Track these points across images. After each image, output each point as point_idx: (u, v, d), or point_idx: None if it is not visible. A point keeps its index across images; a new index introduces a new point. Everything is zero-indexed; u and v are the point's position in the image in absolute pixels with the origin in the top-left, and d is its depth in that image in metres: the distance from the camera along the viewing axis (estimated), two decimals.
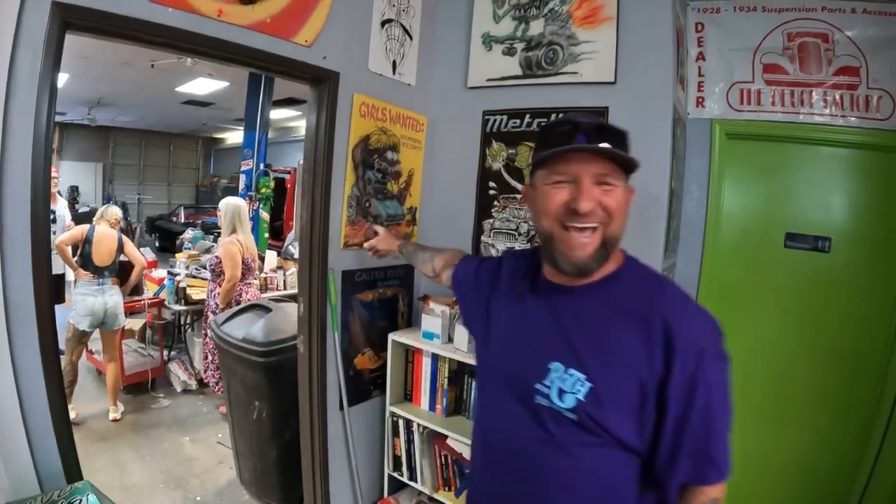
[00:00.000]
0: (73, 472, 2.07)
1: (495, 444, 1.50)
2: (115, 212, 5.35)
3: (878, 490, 3.05)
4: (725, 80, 3.35)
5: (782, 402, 3.26)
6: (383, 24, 3.13)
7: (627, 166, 1.31)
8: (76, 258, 4.98)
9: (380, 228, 2.85)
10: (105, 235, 5.08)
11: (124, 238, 5.34)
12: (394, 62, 3.22)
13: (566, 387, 1.28)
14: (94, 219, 5.30)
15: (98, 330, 5.10)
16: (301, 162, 3.13)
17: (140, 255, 5.58)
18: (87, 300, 4.92)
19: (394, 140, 3.23)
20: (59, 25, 1.91)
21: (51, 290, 1.99)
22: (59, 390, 2.01)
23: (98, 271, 5.01)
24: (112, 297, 5.09)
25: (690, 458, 1.22)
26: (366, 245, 2.86)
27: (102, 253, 5.02)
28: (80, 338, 5.00)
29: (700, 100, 3.41)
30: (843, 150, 3.20)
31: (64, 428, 2.05)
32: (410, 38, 3.32)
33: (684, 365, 1.20)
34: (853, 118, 3.09)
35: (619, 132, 1.33)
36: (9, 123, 1.80)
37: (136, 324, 6.38)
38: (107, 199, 14.68)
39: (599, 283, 1.36)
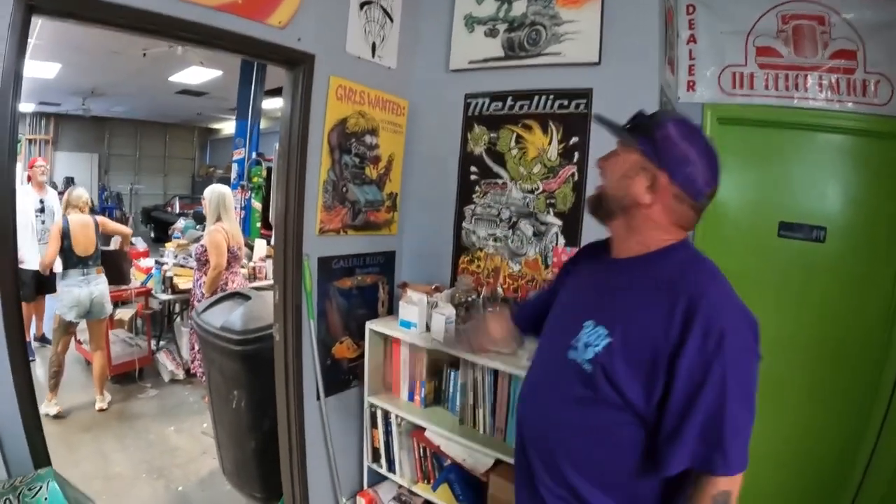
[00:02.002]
0: (40, 459, 2.03)
1: (534, 391, 1.65)
2: (81, 194, 5.23)
3: (876, 479, 3.00)
4: (717, 64, 3.25)
5: (778, 391, 3.17)
6: (362, 5, 3.05)
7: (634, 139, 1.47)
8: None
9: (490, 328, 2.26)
10: (79, 224, 4.99)
11: (99, 219, 5.29)
12: (373, 44, 3.13)
13: (591, 340, 1.42)
14: (61, 208, 5.23)
15: (85, 320, 5.06)
16: (277, 146, 3.05)
17: (121, 226, 5.64)
18: (72, 291, 4.87)
19: (373, 124, 3.15)
20: (24, 8, 1.85)
21: (16, 277, 1.98)
22: (25, 377, 1.97)
23: (82, 262, 4.96)
24: (98, 287, 5.05)
25: (698, 440, 1.25)
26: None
27: (82, 243, 4.96)
28: (67, 328, 4.96)
29: (691, 83, 3.33)
30: (838, 137, 3.12)
31: (31, 415, 2.01)
32: (391, 19, 3.24)
33: (703, 344, 1.25)
34: (850, 103, 3.00)
35: (652, 118, 1.49)
36: None
37: (125, 314, 6.33)
38: (101, 191, 14.62)
39: (644, 258, 1.47)
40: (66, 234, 4.86)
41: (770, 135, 3.24)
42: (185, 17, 2.29)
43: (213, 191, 4.95)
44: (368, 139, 3.14)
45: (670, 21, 3.08)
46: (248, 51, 2.66)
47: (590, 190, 2.76)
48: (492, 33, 3.19)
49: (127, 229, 5.49)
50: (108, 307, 5.23)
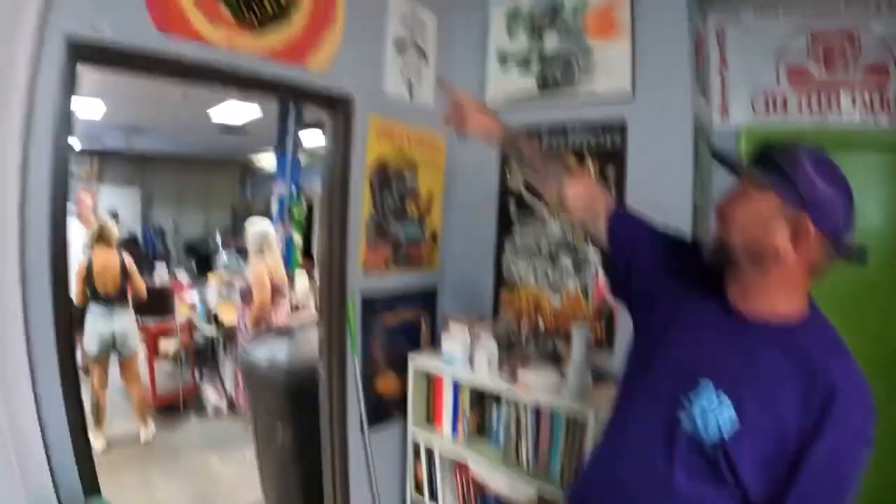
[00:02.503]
0: (90, 488, 2.08)
1: (621, 434, 1.49)
2: (107, 226, 5.21)
3: None
4: (749, 87, 3.27)
5: None
6: (398, 45, 3.14)
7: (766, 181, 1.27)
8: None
9: (468, 98, 1.94)
10: (101, 262, 5.01)
11: (128, 261, 5.24)
12: (410, 83, 3.22)
13: (709, 406, 1.26)
14: (86, 243, 5.16)
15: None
16: (319, 186, 3.13)
17: (142, 285, 5.45)
18: (95, 325, 4.93)
19: (412, 162, 3.23)
20: (72, 59, 1.96)
21: (69, 311, 2.03)
22: (77, 408, 2.03)
23: (104, 298, 4.98)
24: (120, 324, 5.07)
25: None
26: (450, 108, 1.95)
27: (102, 280, 4.97)
28: (97, 362, 4.99)
29: (724, 108, 3.34)
30: (875, 154, 3.10)
31: (82, 444, 2.06)
32: (426, 57, 3.32)
33: (836, 438, 1.16)
34: (884, 119, 2.98)
35: (784, 152, 1.28)
36: (29, 154, 1.84)
37: (169, 345, 6.46)
38: (153, 233, 14.92)
39: (778, 328, 1.28)
40: (88, 272, 4.91)
41: None
42: (228, 65, 2.41)
43: (256, 227, 5.07)
44: (408, 177, 3.21)
45: (700, 47, 3.11)
46: (289, 95, 2.77)
47: None
48: (526, 68, 3.25)
49: (141, 285, 5.40)
50: (133, 344, 5.22)
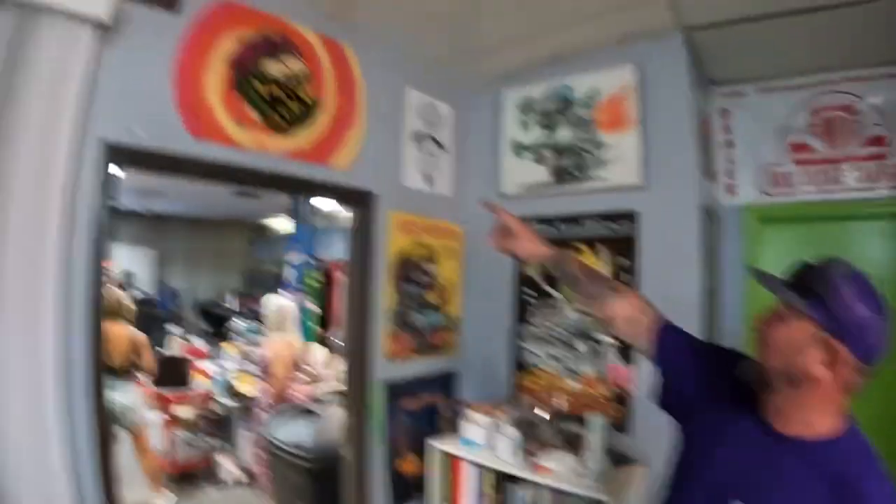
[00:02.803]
0: None
1: None
2: (120, 300, 5.16)
3: None
4: (755, 165, 3.40)
5: None
6: (416, 139, 3.30)
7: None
8: None
9: (515, 221, 1.96)
10: (116, 336, 4.89)
11: (139, 337, 5.17)
12: (428, 176, 3.37)
13: None
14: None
15: None
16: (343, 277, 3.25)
17: (151, 362, 5.39)
18: None
19: (432, 252, 3.36)
20: (108, 164, 2.13)
21: (101, 377, 2.18)
22: (108, 473, 2.14)
23: (113, 372, 4.88)
24: (126, 397, 4.99)
25: None
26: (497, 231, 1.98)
27: (114, 355, 4.90)
28: None
29: (731, 186, 3.47)
30: (879, 223, 3.20)
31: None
32: (443, 149, 3.48)
33: None
34: (884, 189, 3.10)
35: (821, 275, 1.27)
36: (69, 252, 2.00)
37: (186, 412, 6.50)
38: (167, 294, 15.05)
39: (812, 444, 1.28)
40: None
41: (812, 228, 3.34)
42: (256, 166, 2.57)
43: (275, 303, 5.18)
44: (428, 267, 3.34)
45: (707, 131, 3.24)
46: (314, 192, 2.93)
47: None
48: (539, 159, 3.39)
49: (150, 362, 5.36)
50: (139, 417, 5.16)
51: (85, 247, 2.07)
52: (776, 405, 1.33)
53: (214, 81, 2.44)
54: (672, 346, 1.66)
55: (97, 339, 2.15)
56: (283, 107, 2.66)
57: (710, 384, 1.54)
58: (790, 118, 3.30)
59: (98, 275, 2.13)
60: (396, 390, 3.23)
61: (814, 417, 1.27)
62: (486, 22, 3.01)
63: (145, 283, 15.00)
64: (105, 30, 2.07)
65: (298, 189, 2.83)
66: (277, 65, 2.67)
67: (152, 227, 15.14)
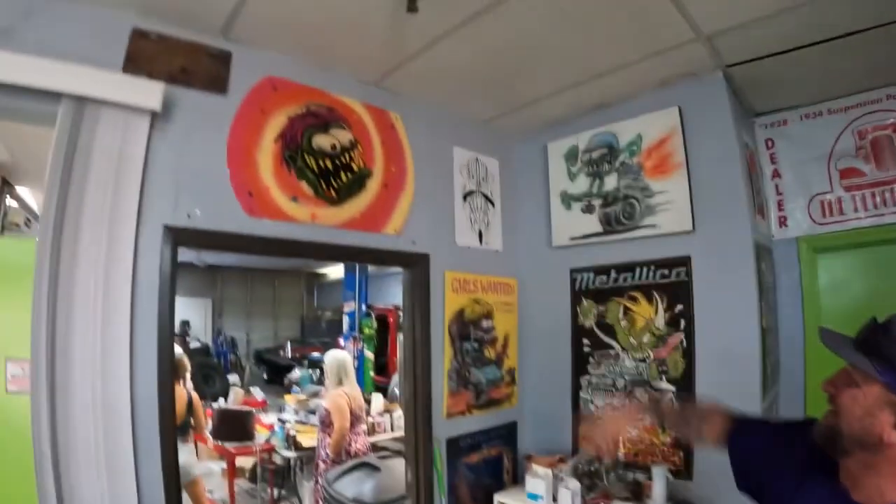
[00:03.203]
0: None
1: None
2: (181, 362, 5.11)
3: None
4: (804, 195, 3.33)
5: None
6: (465, 196, 3.37)
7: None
8: None
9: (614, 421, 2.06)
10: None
11: (195, 397, 5.23)
12: (479, 232, 3.42)
13: None
14: None
15: None
16: (401, 338, 3.30)
17: (203, 423, 5.46)
18: None
19: (487, 308, 3.40)
20: (172, 245, 2.28)
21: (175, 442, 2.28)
22: None
23: None
24: (182, 454, 4.95)
25: None
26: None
27: None
28: None
29: (782, 219, 3.40)
30: None
31: None
32: (493, 204, 3.53)
33: None
34: None
35: (887, 333, 1.24)
36: (135, 337, 2.12)
37: (247, 463, 6.58)
38: (224, 343, 15.31)
39: None
40: None
41: (867, 254, 3.23)
42: (310, 238, 2.68)
43: (334, 357, 5.24)
44: (485, 323, 3.38)
45: (753, 164, 3.20)
46: (369, 259, 3.00)
47: (701, 354, 2.93)
48: (588, 209, 3.41)
49: (202, 422, 5.40)
50: (192, 471, 5.15)
51: (152, 317, 2.21)
52: (849, 470, 1.28)
53: (266, 159, 2.57)
54: (743, 442, 1.66)
55: (169, 402, 2.25)
56: (334, 178, 2.76)
57: (785, 464, 1.50)
58: (836, 144, 3.24)
59: (166, 344, 2.25)
60: (457, 445, 3.25)
61: (885, 484, 1.21)
62: (527, 78, 3.08)
63: (201, 331, 15.36)
64: (159, 118, 2.22)
65: (353, 257, 2.92)
66: (326, 137, 2.78)
67: (208, 277, 15.55)
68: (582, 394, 3.40)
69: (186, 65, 2.41)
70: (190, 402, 5.13)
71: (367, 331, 7.12)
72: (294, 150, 2.66)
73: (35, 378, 1.88)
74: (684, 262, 3.05)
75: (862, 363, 1.21)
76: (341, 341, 6.78)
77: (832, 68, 2.92)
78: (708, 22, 2.51)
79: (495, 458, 3.48)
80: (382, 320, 9.36)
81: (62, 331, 1.95)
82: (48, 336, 1.91)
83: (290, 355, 13.67)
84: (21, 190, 5.13)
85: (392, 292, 12.21)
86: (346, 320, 7.34)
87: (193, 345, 13.28)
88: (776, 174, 3.43)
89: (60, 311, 1.95)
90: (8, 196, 5.04)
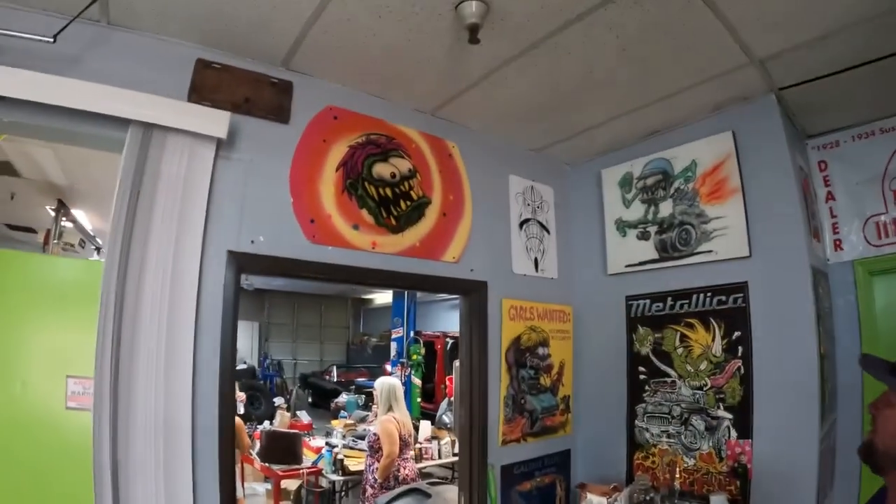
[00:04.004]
0: None
1: None
2: None
3: None
4: (859, 217, 3.26)
5: None
6: (521, 224, 3.40)
7: None
8: None
9: None
10: None
11: (238, 421, 5.31)
12: (535, 260, 3.44)
13: None
14: None
15: None
16: (457, 364, 3.32)
17: (246, 442, 5.62)
18: None
19: (543, 336, 3.41)
20: (235, 270, 2.34)
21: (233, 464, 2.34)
22: None
23: None
24: None
25: None
26: None
27: None
28: None
29: (837, 242, 3.34)
30: None
31: None
32: (548, 232, 3.55)
33: None
34: None
35: None
36: (198, 360, 2.18)
37: (291, 485, 6.62)
38: (271, 366, 15.49)
39: None
40: None
41: None
42: (370, 265, 2.73)
43: (384, 382, 5.28)
44: (541, 350, 3.38)
45: (807, 188, 3.15)
46: (428, 287, 3.03)
47: (759, 382, 2.87)
48: (644, 236, 3.39)
49: (246, 442, 5.53)
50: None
51: (214, 340, 2.26)
52: (891, 487, 1.31)
53: (328, 187, 2.64)
54: None
55: (229, 426, 2.29)
56: (394, 206, 2.81)
57: None
58: (889, 162, 3.17)
59: (228, 367, 2.30)
60: (511, 473, 3.24)
61: None
62: (582, 106, 3.10)
63: (248, 354, 15.56)
64: (224, 146, 2.31)
65: (412, 285, 2.96)
66: (386, 166, 2.83)
67: (255, 300, 15.78)
68: (637, 422, 3.37)
69: (249, 94, 2.50)
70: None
71: (415, 357, 7.15)
72: (355, 179, 2.72)
73: (98, 395, 1.94)
74: (741, 288, 3.01)
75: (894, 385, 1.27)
76: (389, 367, 6.81)
77: (882, 87, 2.88)
78: (760, 46, 2.52)
79: (548, 486, 3.46)
80: (430, 347, 9.38)
81: (126, 350, 2.02)
82: (112, 354, 1.97)
83: (335, 380, 13.76)
84: (76, 212, 5.30)
85: (439, 319, 12.26)
86: (394, 346, 7.38)
87: (240, 366, 13.45)
88: (830, 196, 3.37)
89: (125, 331, 2.03)
90: (64, 217, 5.22)
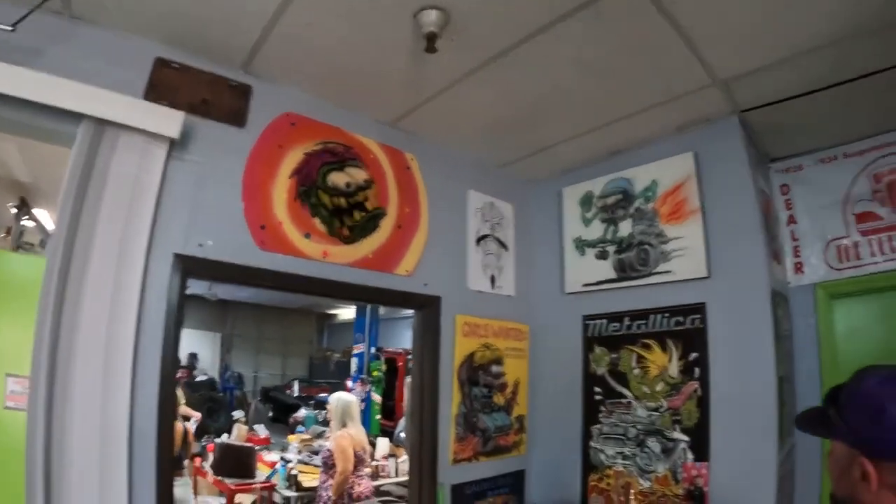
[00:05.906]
0: None
1: None
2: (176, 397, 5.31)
3: None
4: (821, 240, 3.27)
5: None
6: (479, 240, 3.36)
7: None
8: None
9: None
10: None
11: (189, 428, 5.37)
12: (492, 276, 3.40)
13: None
14: None
15: None
16: (408, 380, 3.26)
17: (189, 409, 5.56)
18: None
19: (497, 354, 3.36)
20: (181, 274, 2.28)
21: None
22: None
23: None
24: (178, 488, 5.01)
25: None
26: None
27: None
28: None
29: (798, 265, 3.34)
30: None
31: None
32: (506, 249, 3.51)
33: None
34: None
35: (841, 389, 1.28)
36: (138, 363, 2.10)
37: (246, 500, 6.48)
38: (231, 378, 15.27)
39: None
40: None
41: (885, 299, 3.13)
42: (321, 275, 2.67)
43: (339, 399, 5.19)
44: (495, 368, 3.33)
45: (769, 211, 3.16)
46: (380, 299, 2.98)
47: (716, 404, 2.85)
48: (602, 255, 3.38)
49: (192, 450, 5.51)
50: None
51: (156, 346, 2.19)
52: None
53: (281, 193, 2.58)
54: None
55: (167, 433, 2.21)
56: (347, 217, 2.76)
57: None
58: (851, 187, 3.19)
59: (168, 373, 2.22)
60: (462, 492, 3.17)
61: None
62: (544, 123, 3.09)
63: (209, 365, 15.30)
64: (177, 146, 2.25)
65: (364, 297, 2.89)
66: (341, 175, 2.78)
67: (218, 311, 15.55)
68: (592, 443, 3.32)
69: (207, 96, 2.45)
70: (185, 434, 5.17)
71: (375, 373, 7.08)
72: (309, 187, 2.66)
73: (33, 396, 1.87)
74: (699, 309, 2.99)
75: (806, 429, 1.30)
76: (349, 383, 6.72)
77: (847, 112, 2.91)
78: (724, 67, 2.53)
79: None
80: (391, 364, 9.30)
81: (64, 350, 1.94)
82: (49, 354, 1.90)
83: (297, 394, 13.58)
84: (38, 212, 5.19)
85: (402, 336, 12.19)
86: (354, 362, 7.30)
87: (199, 378, 13.21)
88: (792, 220, 3.39)
89: (64, 330, 1.95)
90: (25, 216, 5.11)
